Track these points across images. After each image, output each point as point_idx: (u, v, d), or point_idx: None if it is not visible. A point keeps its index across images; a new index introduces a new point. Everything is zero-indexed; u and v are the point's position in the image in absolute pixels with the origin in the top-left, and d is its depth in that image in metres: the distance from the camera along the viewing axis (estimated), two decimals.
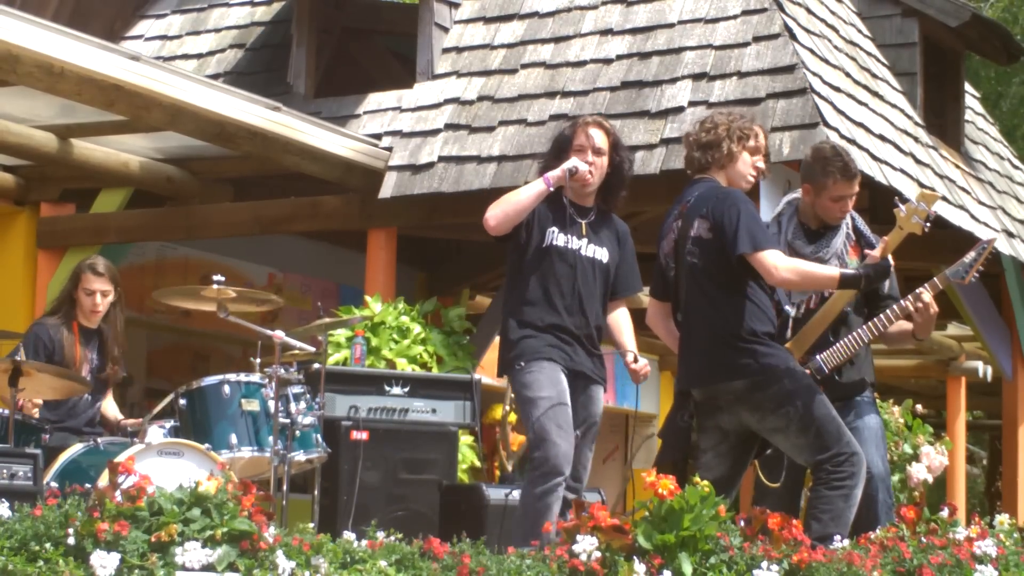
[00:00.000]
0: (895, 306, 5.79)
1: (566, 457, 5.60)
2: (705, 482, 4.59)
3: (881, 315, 5.82)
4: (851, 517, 5.40)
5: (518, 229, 5.80)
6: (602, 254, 5.93)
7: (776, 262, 5.39)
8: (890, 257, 5.66)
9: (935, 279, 5.79)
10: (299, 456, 6.77)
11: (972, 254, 5.80)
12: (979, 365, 15.25)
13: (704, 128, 5.70)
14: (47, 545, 4.08)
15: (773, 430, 5.47)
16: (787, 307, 5.87)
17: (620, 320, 6.05)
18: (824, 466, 5.39)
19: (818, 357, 5.83)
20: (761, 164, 5.75)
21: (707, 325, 5.53)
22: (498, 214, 5.76)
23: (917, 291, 5.77)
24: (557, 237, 5.83)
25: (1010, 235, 11.07)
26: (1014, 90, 20.15)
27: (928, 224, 5.69)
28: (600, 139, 5.90)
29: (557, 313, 5.77)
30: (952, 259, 5.90)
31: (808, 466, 5.52)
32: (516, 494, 6.46)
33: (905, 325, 5.92)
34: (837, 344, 5.85)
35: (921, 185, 9.61)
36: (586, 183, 5.84)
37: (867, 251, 5.84)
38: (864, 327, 5.85)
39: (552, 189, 5.78)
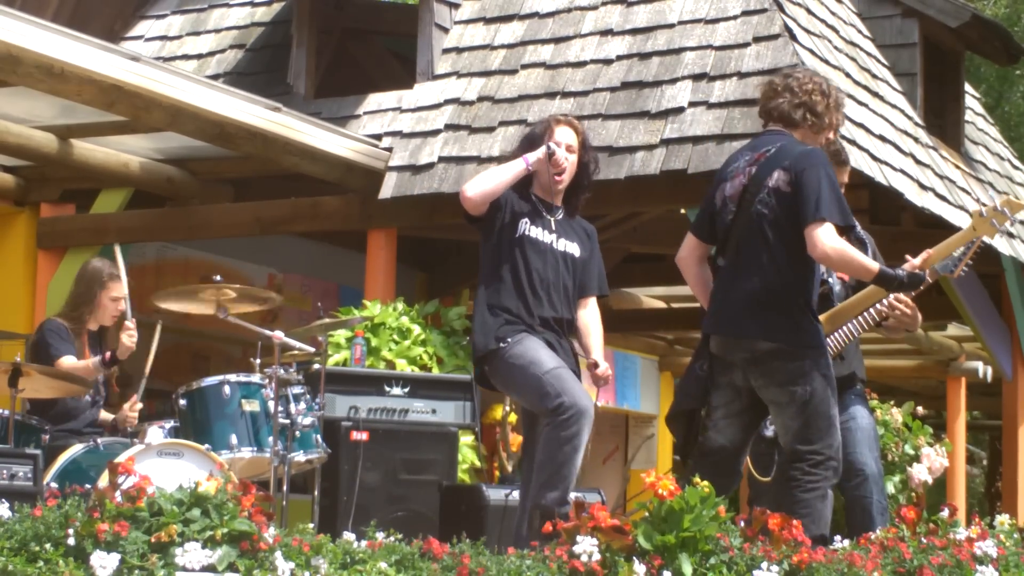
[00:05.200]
0: (884, 301, 5.81)
1: (589, 403, 5.56)
2: (705, 483, 4.58)
3: (871, 309, 5.84)
4: (830, 514, 5.36)
5: (493, 212, 5.80)
6: (573, 248, 5.91)
7: (824, 238, 5.23)
8: (927, 270, 5.60)
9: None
10: (299, 456, 6.77)
11: (961, 248, 5.81)
12: (979, 365, 15.26)
13: (813, 91, 5.53)
14: (47, 546, 4.08)
15: (771, 400, 5.40)
16: (829, 279, 5.83)
17: (589, 320, 5.99)
18: (800, 463, 5.33)
19: None
20: (832, 137, 5.67)
21: (759, 278, 5.36)
22: (477, 189, 5.75)
23: (896, 296, 5.77)
24: (530, 228, 5.82)
25: (1010, 235, 11.07)
26: (1017, 97, 20.15)
27: (1003, 231, 5.66)
28: (571, 138, 5.90)
29: (529, 304, 5.75)
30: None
31: (786, 449, 5.44)
32: (516, 495, 6.46)
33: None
34: (829, 339, 5.87)
35: (921, 186, 9.61)
36: (561, 170, 5.84)
37: (907, 256, 5.76)
38: (854, 321, 5.87)
39: (531, 169, 5.78)
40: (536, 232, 5.82)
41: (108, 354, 6.96)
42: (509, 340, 5.70)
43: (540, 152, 5.79)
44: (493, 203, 5.80)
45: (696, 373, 5.56)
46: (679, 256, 5.75)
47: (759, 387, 5.41)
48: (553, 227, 5.87)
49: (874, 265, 5.40)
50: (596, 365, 5.82)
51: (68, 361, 6.94)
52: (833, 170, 5.42)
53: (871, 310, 5.83)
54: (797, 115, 5.52)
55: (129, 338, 6.95)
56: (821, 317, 5.71)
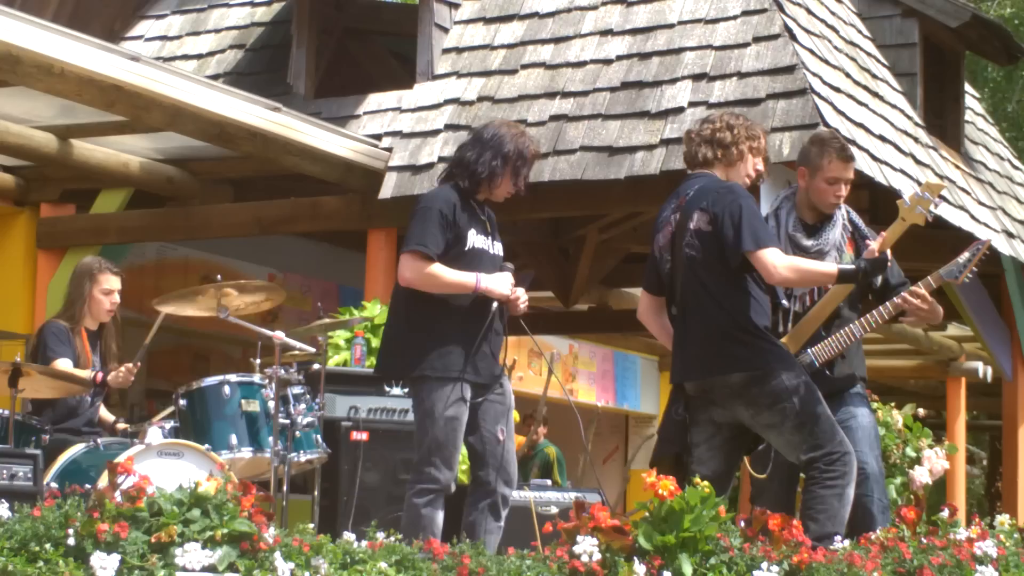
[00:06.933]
0: (888, 303, 5.82)
1: (453, 475, 5.63)
2: (705, 483, 4.58)
3: (874, 311, 5.85)
4: (846, 515, 5.42)
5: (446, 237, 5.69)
6: (499, 248, 5.89)
7: (775, 261, 5.38)
8: (888, 251, 5.66)
9: (929, 278, 5.81)
10: (299, 457, 6.77)
11: (966, 254, 5.82)
12: (979, 365, 15.26)
13: (717, 127, 5.69)
14: (47, 546, 4.08)
15: (767, 426, 5.46)
16: (783, 301, 5.88)
17: None
18: (816, 464, 5.40)
19: (809, 351, 5.85)
20: (760, 166, 5.76)
21: (706, 317, 5.49)
22: (417, 284, 5.61)
23: (910, 288, 5.79)
24: (476, 239, 5.76)
25: (1010, 235, 11.07)
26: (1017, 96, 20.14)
27: (931, 215, 5.70)
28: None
29: (475, 319, 5.66)
30: (950, 259, 5.91)
31: (799, 463, 5.52)
32: (517, 495, 6.46)
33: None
34: (829, 339, 5.88)
35: (920, 185, 9.60)
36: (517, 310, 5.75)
37: (867, 241, 5.84)
38: (856, 323, 5.88)
39: (476, 293, 5.63)
40: (480, 241, 5.77)
41: (99, 376, 6.97)
42: (433, 374, 5.59)
43: (501, 293, 5.65)
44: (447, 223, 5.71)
45: (673, 418, 5.66)
46: (639, 313, 5.88)
47: (750, 417, 5.47)
48: (488, 228, 5.84)
49: (832, 268, 5.58)
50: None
51: (63, 364, 6.93)
52: (752, 200, 5.53)
53: (877, 311, 5.83)
54: (709, 154, 5.68)
55: (127, 375, 6.95)
56: (784, 339, 5.77)
